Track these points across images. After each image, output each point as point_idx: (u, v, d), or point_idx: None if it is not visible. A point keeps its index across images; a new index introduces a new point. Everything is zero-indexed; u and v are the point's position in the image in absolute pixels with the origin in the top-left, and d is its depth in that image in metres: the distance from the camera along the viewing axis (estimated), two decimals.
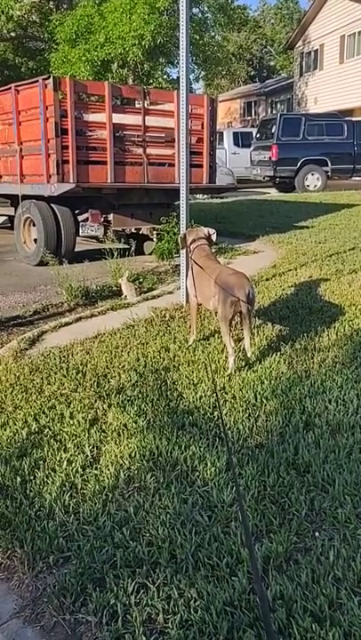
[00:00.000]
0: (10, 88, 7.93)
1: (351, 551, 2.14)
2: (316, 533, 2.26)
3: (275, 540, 2.18)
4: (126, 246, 8.05)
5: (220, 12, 22.41)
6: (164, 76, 23.68)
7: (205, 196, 15.29)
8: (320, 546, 2.17)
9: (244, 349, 3.85)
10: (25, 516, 2.37)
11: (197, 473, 2.63)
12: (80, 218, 8.01)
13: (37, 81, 7.32)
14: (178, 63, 11.50)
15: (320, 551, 2.15)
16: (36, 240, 8.00)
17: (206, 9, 22.49)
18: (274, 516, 2.33)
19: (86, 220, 7.88)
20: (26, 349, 4.39)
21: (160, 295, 5.95)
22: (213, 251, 4.65)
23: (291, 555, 2.15)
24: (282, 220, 11.39)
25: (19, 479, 2.61)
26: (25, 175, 8.00)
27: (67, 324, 5.04)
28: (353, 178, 18.98)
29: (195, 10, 21.28)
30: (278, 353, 4.00)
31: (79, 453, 2.81)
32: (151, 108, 8.21)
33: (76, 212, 8.01)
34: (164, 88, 21.38)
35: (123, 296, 5.93)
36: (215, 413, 3.15)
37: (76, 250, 8.03)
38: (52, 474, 2.65)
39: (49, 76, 7.25)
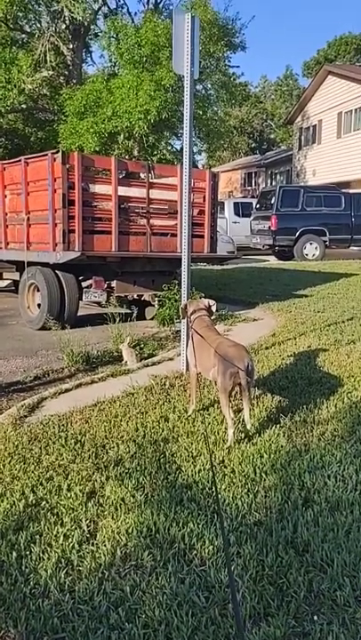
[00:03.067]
0: (20, 160, 8.27)
1: (350, 636, 2.10)
2: (315, 617, 2.22)
3: (273, 624, 2.14)
4: (128, 311, 8.19)
5: (222, 88, 23.50)
6: (168, 148, 24.63)
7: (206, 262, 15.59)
8: (318, 630, 2.14)
9: (243, 420, 3.86)
10: (20, 593, 2.34)
11: (195, 551, 2.60)
12: (84, 284, 8.18)
13: (47, 155, 7.65)
14: (182, 136, 12.02)
15: (318, 636, 2.11)
16: (39, 305, 8.13)
17: (210, 86, 23.61)
18: (272, 598, 2.29)
19: (90, 286, 8.04)
20: (25, 416, 4.41)
21: (160, 361, 6.00)
22: (214, 318, 4.74)
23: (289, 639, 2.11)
24: (281, 287, 11.58)
25: (15, 554, 2.58)
26: (31, 243, 8.22)
27: (67, 390, 5.07)
28: (351, 247, 19.43)
29: (198, 87, 22.32)
30: (278, 425, 4.01)
31: (76, 528, 2.79)
32: (155, 181, 8.53)
33: (80, 278, 8.19)
34: (168, 159, 22.19)
35: (123, 361, 5.98)
36: (214, 489, 3.14)
37: (78, 314, 8.15)
38: (49, 549, 2.63)
39: (58, 151, 7.57)
